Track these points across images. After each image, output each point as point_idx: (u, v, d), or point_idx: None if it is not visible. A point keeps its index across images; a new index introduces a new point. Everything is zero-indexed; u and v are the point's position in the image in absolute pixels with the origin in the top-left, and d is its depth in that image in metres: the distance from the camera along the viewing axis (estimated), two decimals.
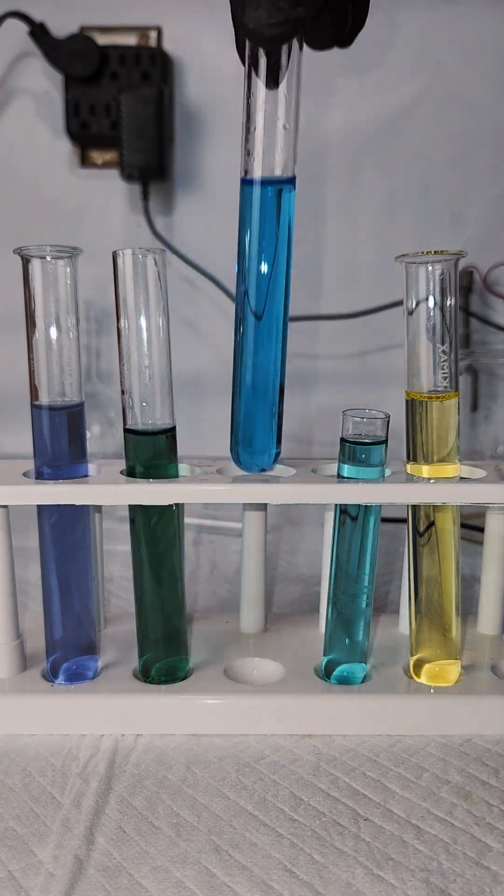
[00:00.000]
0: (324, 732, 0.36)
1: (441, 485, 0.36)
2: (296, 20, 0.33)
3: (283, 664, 0.39)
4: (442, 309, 0.35)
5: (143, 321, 0.35)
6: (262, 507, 0.41)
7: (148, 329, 0.35)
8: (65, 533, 0.36)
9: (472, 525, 0.59)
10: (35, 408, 0.36)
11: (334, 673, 0.38)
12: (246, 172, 0.35)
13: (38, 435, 0.36)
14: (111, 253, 0.35)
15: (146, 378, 0.35)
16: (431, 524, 0.37)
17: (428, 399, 0.36)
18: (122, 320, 0.35)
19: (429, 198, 0.85)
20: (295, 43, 0.34)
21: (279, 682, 0.37)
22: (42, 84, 0.83)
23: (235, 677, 0.38)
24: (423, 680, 0.38)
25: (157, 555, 0.36)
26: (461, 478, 0.37)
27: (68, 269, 0.35)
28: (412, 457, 0.37)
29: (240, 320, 0.36)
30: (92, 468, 0.38)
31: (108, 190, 0.85)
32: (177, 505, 0.36)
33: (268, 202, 0.34)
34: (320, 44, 0.36)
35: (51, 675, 0.37)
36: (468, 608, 0.44)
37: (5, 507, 0.36)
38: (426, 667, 0.38)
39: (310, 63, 0.35)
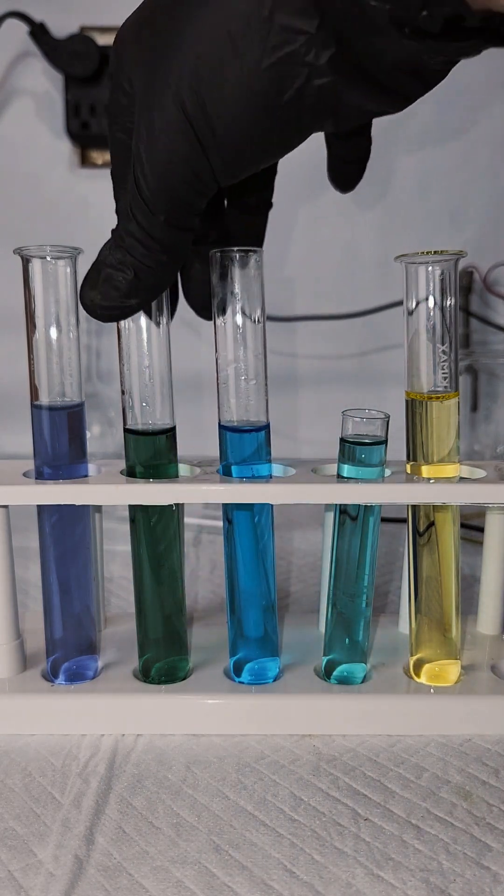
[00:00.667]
0: (324, 732, 0.36)
1: (441, 485, 0.36)
2: (127, 308, 0.32)
3: (282, 664, 0.39)
4: (442, 309, 0.35)
5: (143, 321, 0.35)
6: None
7: (148, 329, 0.35)
8: (65, 533, 0.36)
9: (472, 525, 0.59)
10: (35, 408, 0.36)
11: (334, 673, 0.38)
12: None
13: (38, 435, 0.36)
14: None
15: (146, 378, 0.35)
16: (431, 524, 0.37)
17: (428, 399, 0.36)
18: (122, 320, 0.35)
19: (429, 198, 0.85)
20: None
21: (279, 682, 0.37)
22: (42, 84, 0.84)
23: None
24: (423, 680, 0.38)
25: (157, 554, 0.36)
26: (461, 478, 0.37)
27: (68, 270, 0.35)
28: (412, 457, 0.37)
29: None
30: (92, 468, 0.38)
31: (108, 190, 0.85)
32: (177, 505, 0.36)
33: None
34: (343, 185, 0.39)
35: (51, 675, 0.37)
36: (468, 608, 0.44)
37: (5, 507, 0.36)
38: (426, 667, 0.38)
39: None
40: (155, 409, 0.36)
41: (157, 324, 0.35)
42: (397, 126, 0.83)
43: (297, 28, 0.26)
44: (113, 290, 0.32)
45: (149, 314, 0.34)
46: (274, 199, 0.38)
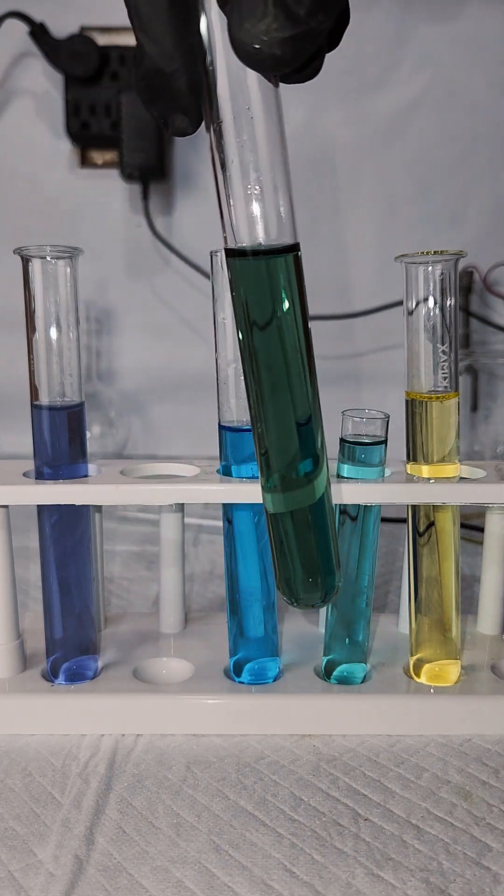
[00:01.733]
0: (324, 732, 0.36)
1: (441, 485, 0.36)
2: (314, 33, 0.24)
3: (282, 664, 0.39)
4: (442, 309, 0.35)
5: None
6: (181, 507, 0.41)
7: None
8: (65, 533, 0.36)
9: (472, 525, 0.59)
10: (35, 408, 0.36)
11: (334, 673, 0.38)
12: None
13: (38, 435, 0.36)
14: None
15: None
16: (431, 524, 0.37)
17: (428, 399, 0.36)
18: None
19: (429, 198, 0.85)
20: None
21: (279, 682, 0.37)
22: (42, 84, 0.84)
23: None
24: (423, 680, 0.38)
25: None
26: (461, 478, 0.37)
27: (68, 269, 0.35)
28: (412, 457, 0.37)
29: None
30: (92, 468, 0.38)
31: (108, 190, 0.85)
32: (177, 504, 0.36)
33: None
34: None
35: (51, 675, 0.37)
36: (468, 608, 0.44)
37: (5, 507, 0.36)
38: (426, 667, 0.38)
39: None
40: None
41: None
42: (397, 126, 0.83)
43: None
44: (293, 5, 0.24)
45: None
46: None
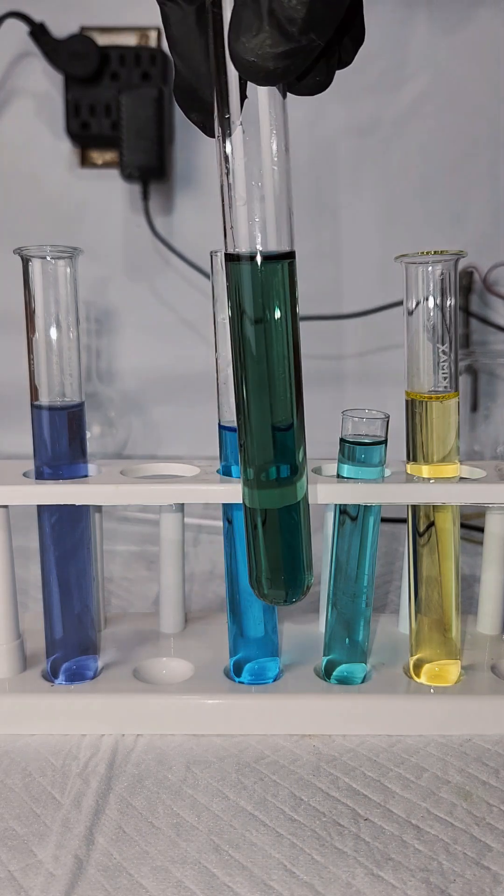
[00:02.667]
0: (324, 732, 0.36)
1: (441, 485, 0.36)
2: (307, 50, 0.26)
3: (282, 664, 0.39)
4: (442, 309, 0.35)
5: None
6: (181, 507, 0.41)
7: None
8: (65, 533, 0.36)
9: (472, 525, 0.59)
10: (35, 408, 0.36)
11: (334, 673, 0.38)
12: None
13: (38, 435, 0.36)
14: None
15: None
16: (431, 524, 0.37)
17: (428, 399, 0.36)
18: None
19: (429, 198, 0.85)
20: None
21: (279, 682, 0.37)
22: (42, 84, 0.84)
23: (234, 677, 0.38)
24: (423, 680, 0.38)
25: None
26: (461, 478, 0.37)
27: (68, 270, 0.35)
28: (412, 457, 0.37)
29: None
30: (92, 468, 0.38)
31: (108, 190, 0.85)
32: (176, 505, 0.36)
33: None
34: (309, 91, 0.29)
35: (51, 675, 0.37)
36: (468, 608, 0.44)
37: (5, 507, 0.36)
38: (426, 667, 0.38)
39: None
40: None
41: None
42: (398, 126, 0.83)
43: None
44: (288, 24, 0.25)
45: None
46: None
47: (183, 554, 0.42)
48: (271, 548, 0.32)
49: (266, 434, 0.31)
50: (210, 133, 0.30)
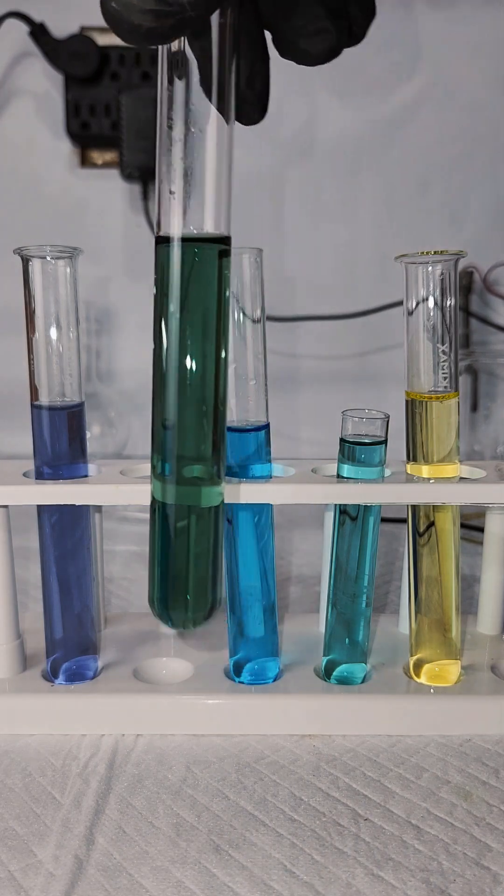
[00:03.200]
0: (324, 732, 0.36)
1: (441, 485, 0.36)
2: (175, 15, 0.25)
3: (282, 664, 0.39)
4: (442, 309, 0.35)
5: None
6: None
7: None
8: (65, 533, 0.36)
9: (472, 525, 0.59)
10: (35, 408, 0.36)
11: (334, 673, 0.38)
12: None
13: (38, 435, 0.36)
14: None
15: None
16: (431, 524, 0.37)
17: (428, 399, 0.36)
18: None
19: (429, 197, 0.85)
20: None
21: (279, 682, 0.37)
22: (42, 84, 0.84)
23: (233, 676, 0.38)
24: (423, 680, 0.38)
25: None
26: (461, 478, 0.37)
27: (68, 270, 0.35)
28: (412, 457, 0.37)
29: None
30: (92, 468, 0.38)
31: (108, 190, 0.85)
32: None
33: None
34: (315, 56, 0.28)
35: (51, 675, 0.37)
36: (468, 608, 0.44)
37: (5, 507, 0.36)
38: (426, 667, 0.38)
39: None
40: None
41: None
42: (398, 126, 0.83)
43: None
44: None
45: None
46: (273, 200, 0.38)
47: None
48: (167, 553, 0.31)
49: (158, 430, 0.31)
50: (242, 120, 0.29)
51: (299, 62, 0.29)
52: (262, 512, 0.36)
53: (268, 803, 0.32)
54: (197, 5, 0.25)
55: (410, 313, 0.35)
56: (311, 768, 0.34)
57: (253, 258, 0.34)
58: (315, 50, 0.28)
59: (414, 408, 0.36)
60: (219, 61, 0.27)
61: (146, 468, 0.39)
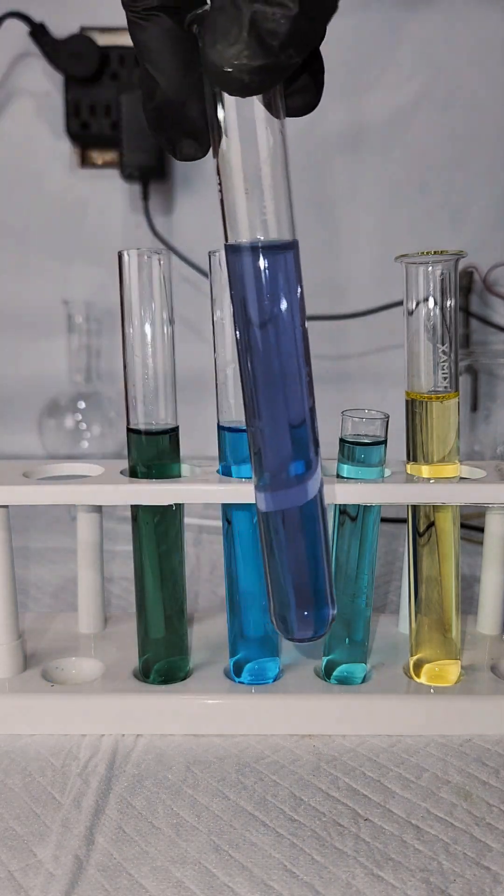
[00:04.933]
0: (324, 732, 0.36)
1: (441, 485, 0.36)
2: (283, 66, 0.25)
3: (282, 664, 0.39)
4: (442, 309, 0.35)
5: (147, 321, 0.34)
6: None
7: (153, 329, 0.35)
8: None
9: (472, 525, 0.59)
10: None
11: (334, 673, 0.38)
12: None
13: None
14: (114, 253, 0.35)
15: (150, 378, 0.35)
16: (431, 524, 0.37)
17: (428, 399, 0.36)
18: (126, 320, 0.35)
19: (429, 197, 0.85)
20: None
21: (279, 682, 0.37)
22: (42, 84, 0.84)
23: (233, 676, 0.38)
24: (423, 680, 0.38)
25: (158, 555, 0.36)
26: (461, 478, 0.37)
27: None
28: (412, 457, 0.37)
29: None
30: (93, 468, 0.38)
31: (108, 190, 0.85)
32: (177, 505, 0.36)
33: None
34: (294, 110, 0.29)
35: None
36: (468, 608, 0.44)
37: (5, 507, 0.36)
38: (426, 667, 0.38)
39: None
40: (158, 408, 0.36)
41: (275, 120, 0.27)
42: (397, 126, 0.83)
43: None
44: (268, 36, 0.24)
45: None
46: None
47: (183, 554, 0.42)
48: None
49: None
50: (179, 155, 0.29)
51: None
52: None
53: (268, 803, 0.32)
54: (303, 51, 0.25)
55: (410, 313, 0.35)
56: (310, 768, 0.34)
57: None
58: (295, 104, 0.28)
59: (414, 408, 0.36)
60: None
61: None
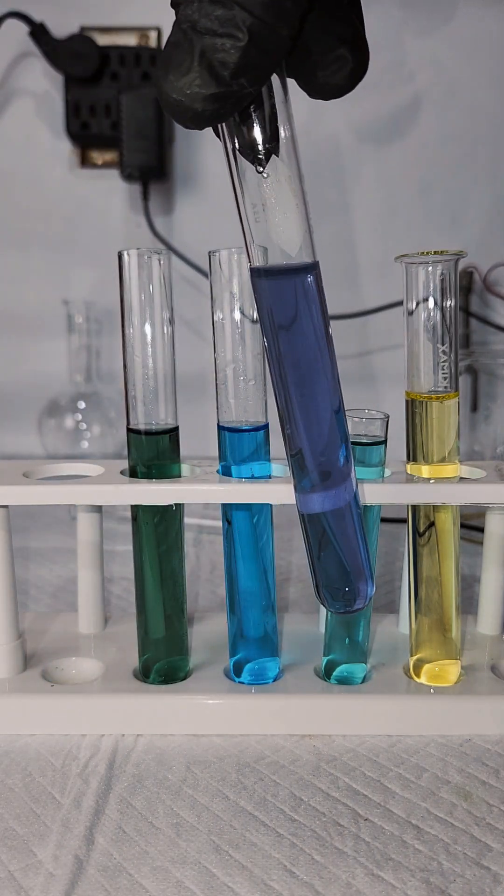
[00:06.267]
0: (324, 732, 0.36)
1: (441, 485, 0.36)
2: (236, 95, 0.25)
3: (282, 664, 0.39)
4: (442, 309, 0.35)
5: (147, 321, 0.34)
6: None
7: (153, 329, 0.35)
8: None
9: (472, 525, 0.59)
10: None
11: (334, 673, 0.38)
12: None
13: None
14: (114, 253, 0.35)
15: (150, 378, 0.35)
16: (431, 524, 0.37)
17: (428, 399, 0.36)
18: (126, 320, 0.35)
19: (429, 198, 0.85)
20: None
21: (279, 683, 0.37)
22: (42, 84, 0.84)
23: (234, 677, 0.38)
24: (423, 680, 0.38)
25: (158, 555, 0.37)
26: (461, 478, 0.37)
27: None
28: (412, 457, 0.37)
29: None
30: (92, 468, 0.38)
31: (108, 190, 0.85)
32: (177, 505, 0.36)
33: None
34: (337, 86, 0.29)
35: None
36: (468, 608, 0.44)
37: (5, 507, 0.36)
38: (426, 667, 0.38)
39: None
40: (158, 408, 0.36)
41: (260, 170, 0.28)
42: (398, 126, 0.83)
43: None
44: (218, 66, 0.24)
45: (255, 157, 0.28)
46: None
47: (183, 554, 0.42)
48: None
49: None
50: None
51: (326, 97, 0.29)
52: (260, 512, 0.36)
53: (268, 803, 0.32)
54: (256, 81, 0.25)
55: (410, 313, 0.35)
56: (310, 768, 0.34)
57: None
58: (335, 80, 0.28)
59: (414, 408, 0.36)
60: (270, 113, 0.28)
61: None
